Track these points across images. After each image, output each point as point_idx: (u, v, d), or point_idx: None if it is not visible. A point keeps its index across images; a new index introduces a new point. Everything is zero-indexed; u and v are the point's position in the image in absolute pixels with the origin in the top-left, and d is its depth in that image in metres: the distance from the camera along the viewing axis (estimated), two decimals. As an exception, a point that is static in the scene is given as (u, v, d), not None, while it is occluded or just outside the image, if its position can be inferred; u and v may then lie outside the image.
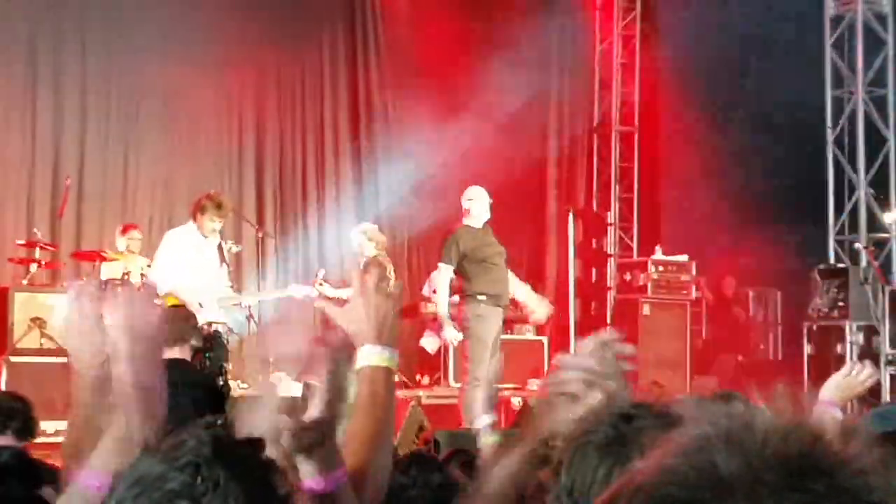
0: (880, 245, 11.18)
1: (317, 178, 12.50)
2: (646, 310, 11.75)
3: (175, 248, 8.32)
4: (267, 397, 1.73)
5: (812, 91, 11.53)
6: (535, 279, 12.22)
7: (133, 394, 1.72)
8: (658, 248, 12.22)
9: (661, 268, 11.85)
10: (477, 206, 8.50)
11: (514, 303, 8.81)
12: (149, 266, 9.10)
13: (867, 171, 11.31)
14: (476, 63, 12.62)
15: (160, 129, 11.53)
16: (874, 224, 11.35)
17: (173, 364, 4.07)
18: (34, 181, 10.83)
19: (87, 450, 2.17)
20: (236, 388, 8.30)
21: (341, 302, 2.15)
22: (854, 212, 11.38)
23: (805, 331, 10.70)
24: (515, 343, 10.68)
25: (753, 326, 12.80)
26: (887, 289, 10.45)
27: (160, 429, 1.51)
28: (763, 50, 12.68)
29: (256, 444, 1.38)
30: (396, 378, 2.25)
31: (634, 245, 13.91)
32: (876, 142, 11.32)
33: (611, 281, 13.36)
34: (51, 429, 6.22)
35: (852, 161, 11.36)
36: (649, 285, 11.80)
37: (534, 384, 9.94)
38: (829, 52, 11.44)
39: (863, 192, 11.29)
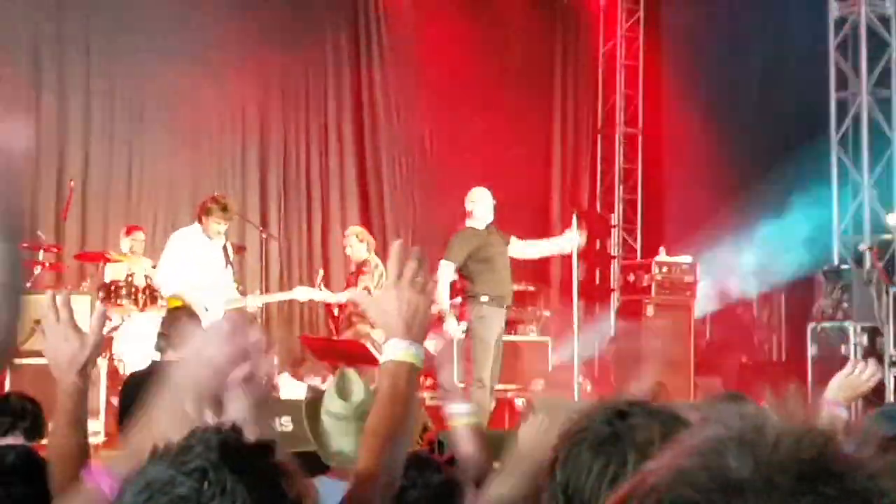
0: (884, 246, 11.15)
1: (321, 179, 12.49)
2: (650, 311, 11.74)
3: (181, 249, 8.34)
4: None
5: (816, 93, 11.51)
6: (539, 280, 12.24)
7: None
8: (662, 250, 12.21)
9: (664, 269, 11.84)
10: (480, 207, 8.51)
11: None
12: (153, 267, 9.11)
13: (871, 173, 11.29)
14: (479, 65, 12.63)
15: (164, 131, 11.52)
16: (878, 225, 11.32)
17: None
18: (38, 183, 10.82)
19: (69, 454, 2.17)
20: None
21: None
22: (858, 213, 11.37)
23: (809, 332, 10.68)
24: (519, 344, 10.67)
25: (757, 327, 12.78)
26: (891, 290, 10.43)
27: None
28: (767, 51, 12.68)
29: (265, 448, 1.37)
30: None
31: (638, 246, 13.92)
32: (880, 143, 11.30)
33: (614, 282, 13.36)
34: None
35: (856, 162, 11.34)
36: (653, 286, 11.79)
37: (538, 384, 9.94)
38: (832, 54, 11.42)
39: (867, 194, 11.27)
